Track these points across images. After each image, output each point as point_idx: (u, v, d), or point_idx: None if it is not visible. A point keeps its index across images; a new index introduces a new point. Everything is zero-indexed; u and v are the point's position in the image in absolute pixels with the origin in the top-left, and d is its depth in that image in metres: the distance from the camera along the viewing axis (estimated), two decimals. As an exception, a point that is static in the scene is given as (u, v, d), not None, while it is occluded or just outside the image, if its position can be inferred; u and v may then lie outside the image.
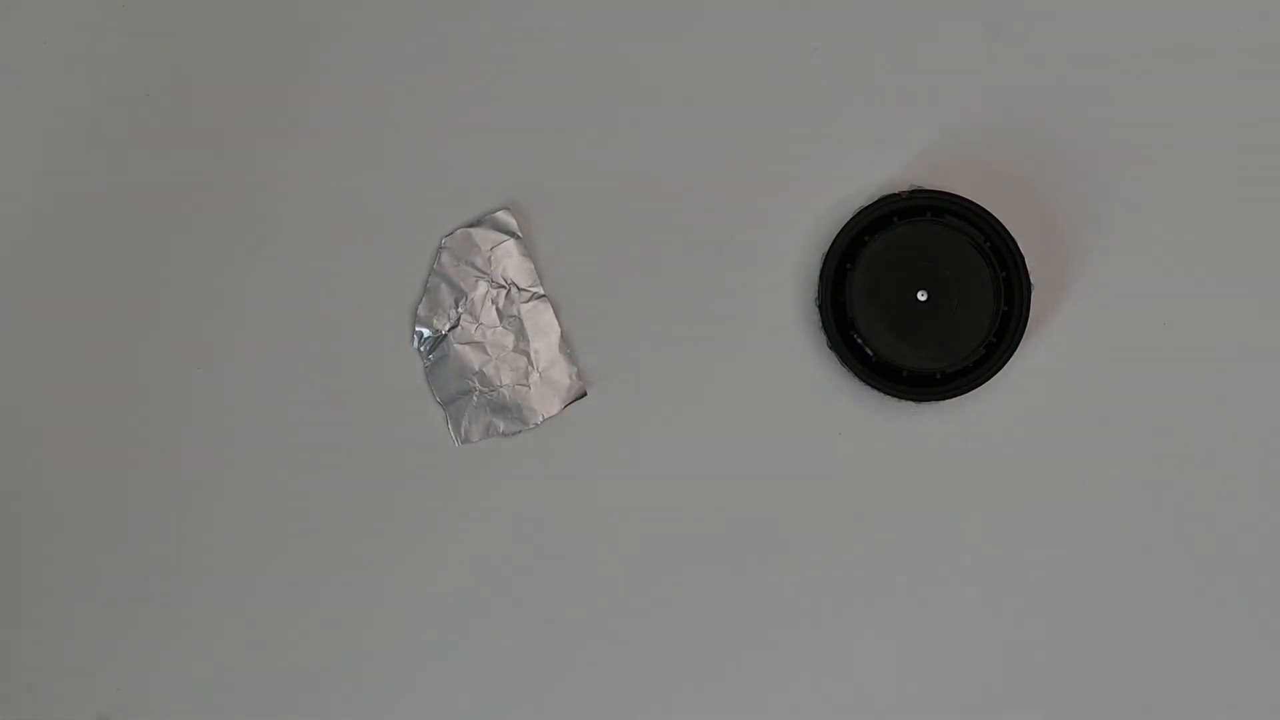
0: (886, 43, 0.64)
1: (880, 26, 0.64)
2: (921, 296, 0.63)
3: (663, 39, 0.64)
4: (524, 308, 0.63)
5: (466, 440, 0.63)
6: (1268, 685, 0.63)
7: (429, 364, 0.63)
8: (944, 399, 0.63)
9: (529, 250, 0.63)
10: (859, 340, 0.63)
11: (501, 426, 0.63)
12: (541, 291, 0.63)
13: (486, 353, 0.63)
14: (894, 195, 0.63)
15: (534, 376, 0.63)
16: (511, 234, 0.63)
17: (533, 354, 0.63)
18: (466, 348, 0.63)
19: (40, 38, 0.64)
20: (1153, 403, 0.64)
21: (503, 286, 0.63)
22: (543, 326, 0.63)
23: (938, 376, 0.63)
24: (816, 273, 0.63)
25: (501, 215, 0.63)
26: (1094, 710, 0.62)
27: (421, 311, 0.63)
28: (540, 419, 0.63)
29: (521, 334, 0.63)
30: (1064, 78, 0.64)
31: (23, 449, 0.63)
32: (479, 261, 0.63)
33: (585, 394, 0.63)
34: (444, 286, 0.63)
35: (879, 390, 0.63)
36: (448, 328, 0.63)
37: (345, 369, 0.62)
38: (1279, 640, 0.63)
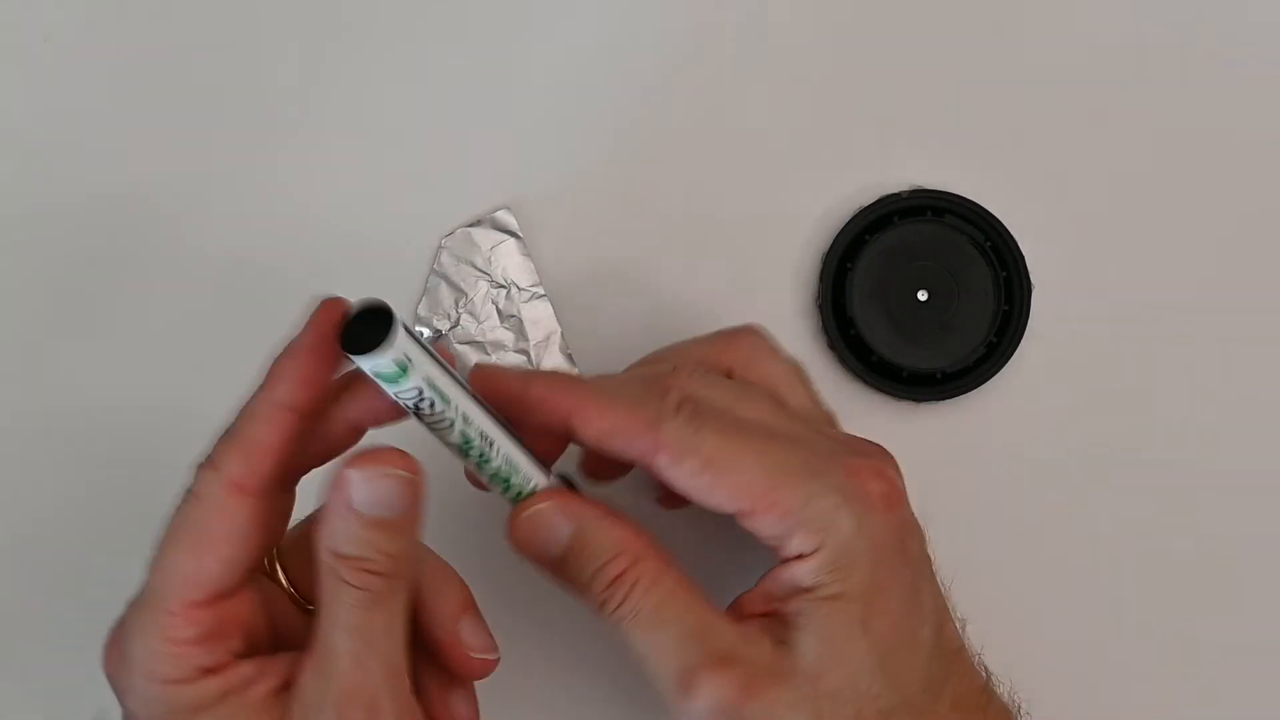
0: (887, 41, 0.64)
1: (880, 24, 0.64)
2: (922, 296, 0.63)
3: (662, 39, 0.64)
4: (524, 307, 0.63)
5: (466, 440, 0.63)
6: (1267, 681, 0.64)
7: (429, 364, 0.63)
8: (944, 399, 0.63)
9: (529, 250, 0.63)
10: (859, 340, 0.63)
11: (502, 426, 0.63)
12: (542, 291, 0.63)
13: (487, 352, 0.63)
14: (894, 195, 0.63)
15: (534, 376, 0.63)
16: (512, 233, 0.63)
17: (532, 354, 0.63)
18: (467, 347, 0.63)
19: (40, 35, 0.64)
20: (1154, 402, 0.64)
21: (503, 286, 0.63)
22: (543, 326, 0.63)
23: (938, 376, 0.63)
24: (816, 273, 0.63)
25: (502, 215, 0.63)
26: (1093, 713, 0.62)
27: (421, 311, 0.63)
28: (540, 419, 0.63)
29: (521, 333, 0.63)
30: (1065, 76, 0.65)
31: (21, 447, 0.62)
32: (479, 261, 0.63)
33: (585, 394, 0.63)
34: (444, 286, 0.63)
35: (879, 390, 0.63)
36: (448, 327, 0.63)
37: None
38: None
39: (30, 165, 0.63)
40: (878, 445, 0.54)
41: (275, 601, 0.52)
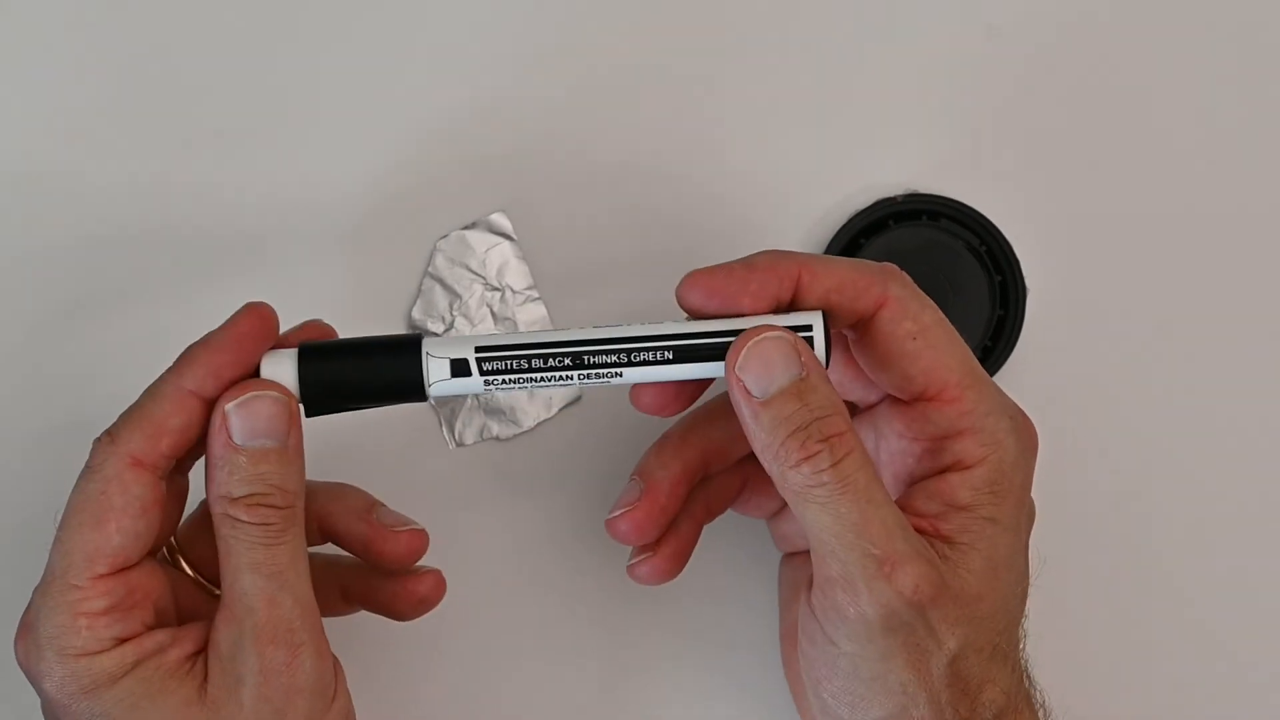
0: (882, 44, 0.64)
1: (876, 27, 0.64)
2: (917, 300, 0.63)
3: (658, 43, 0.64)
4: (519, 310, 0.63)
5: (461, 443, 0.63)
6: (1266, 693, 0.64)
7: (423, 366, 0.62)
8: (939, 403, 0.63)
9: (524, 253, 0.63)
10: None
11: (496, 429, 0.63)
12: (536, 294, 0.63)
13: (481, 355, 0.63)
14: (889, 199, 0.63)
15: (529, 379, 0.63)
16: (506, 236, 0.63)
17: (527, 357, 0.63)
18: (461, 350, 0.63)
19: (32, 35, 0.64)
20: (1149, 408, 0.64)
21: (497, 289, 0.63)
22: (538, 329, 0.63)
23: (933, 380, 0.63)
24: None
25: (496, 218, 0.63)
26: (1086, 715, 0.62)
27: (416, 314, 0.63)
28: (534, 422, 0.63)
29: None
30: (1062, 80, 0.65)
31: (21, 446, 0.62)
32: (474, 264, 0.63)
33: (580, 397, 0.63)
34: (438, 289, 0.63)
35: (874, 394, 0.63)
36: (442, 330, 0.63)
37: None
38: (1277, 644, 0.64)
39: (26, 162, 0.63)
40: None
41: (181, 589, 0.53)
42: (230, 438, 0.49)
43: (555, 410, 0.63)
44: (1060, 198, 0.64)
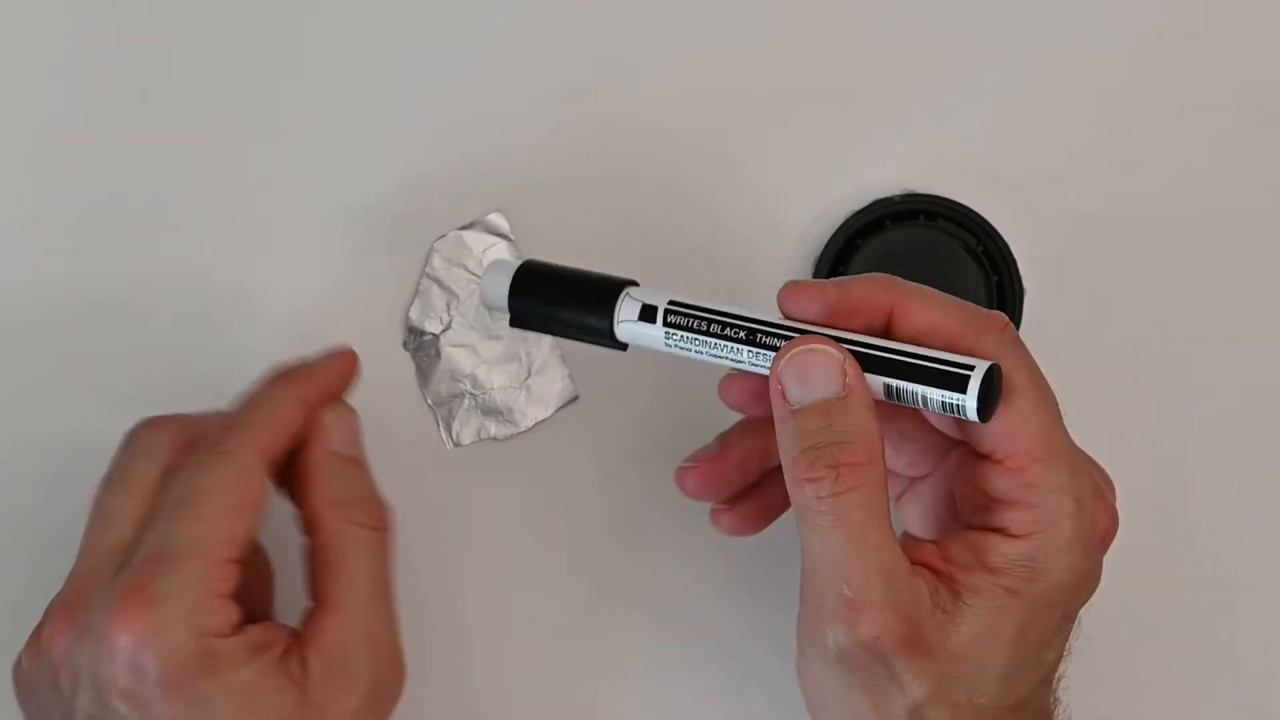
0: (877, 44, 0.64)
1: (872, 28, 0.64)
2: (914, 300, 0.63)
3: (655, 43, 0.64)
4: (516, 310, 0.63)
5: (458, 443, 0.63)
6: (1256, 693, 0.64)
7: (420, 367, 0.63)
8: (936, 403, 0.63)
9: (521, 253, 0.63)
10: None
11: (493, 429, 0.63)
12: (534, 294, 0.63)
13: (478, 355, 0.63)
14: (886, 199, 0.63)
15: (526, 379, 0.63)
16: (504, 236, 0.63)
17: (524, 357, 0.63)
18: (458, 350, 0.63)
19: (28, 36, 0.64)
20: (1146, 407, 0.64)
21: (495, 289, 0.63)
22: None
23: (930, 380, 0.63)
24: (809, 277, 0.63)
25: (494, 218, 0.63)
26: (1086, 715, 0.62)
27: (413, 314, 0.63)
28: (532, 422, 0.63)
29: (513, 336, 0.63)
30: (1060, 80, 0.65)
31: (19, 446, 0.63)
32: (471, 264, 0.63)
33: (577, 397, 0.63)
34: (436, 289, 0.63)
35: (871, 394, 0.63)
36: (440, 330, 0.63)
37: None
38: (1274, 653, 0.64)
39: (21, 165, 0.64)
40: (1106, 474, 0.54)
41: None
42: (330, 445, 0.53)
43: (552, 411, 0.63)
44: (1057, 198, 0.64)
